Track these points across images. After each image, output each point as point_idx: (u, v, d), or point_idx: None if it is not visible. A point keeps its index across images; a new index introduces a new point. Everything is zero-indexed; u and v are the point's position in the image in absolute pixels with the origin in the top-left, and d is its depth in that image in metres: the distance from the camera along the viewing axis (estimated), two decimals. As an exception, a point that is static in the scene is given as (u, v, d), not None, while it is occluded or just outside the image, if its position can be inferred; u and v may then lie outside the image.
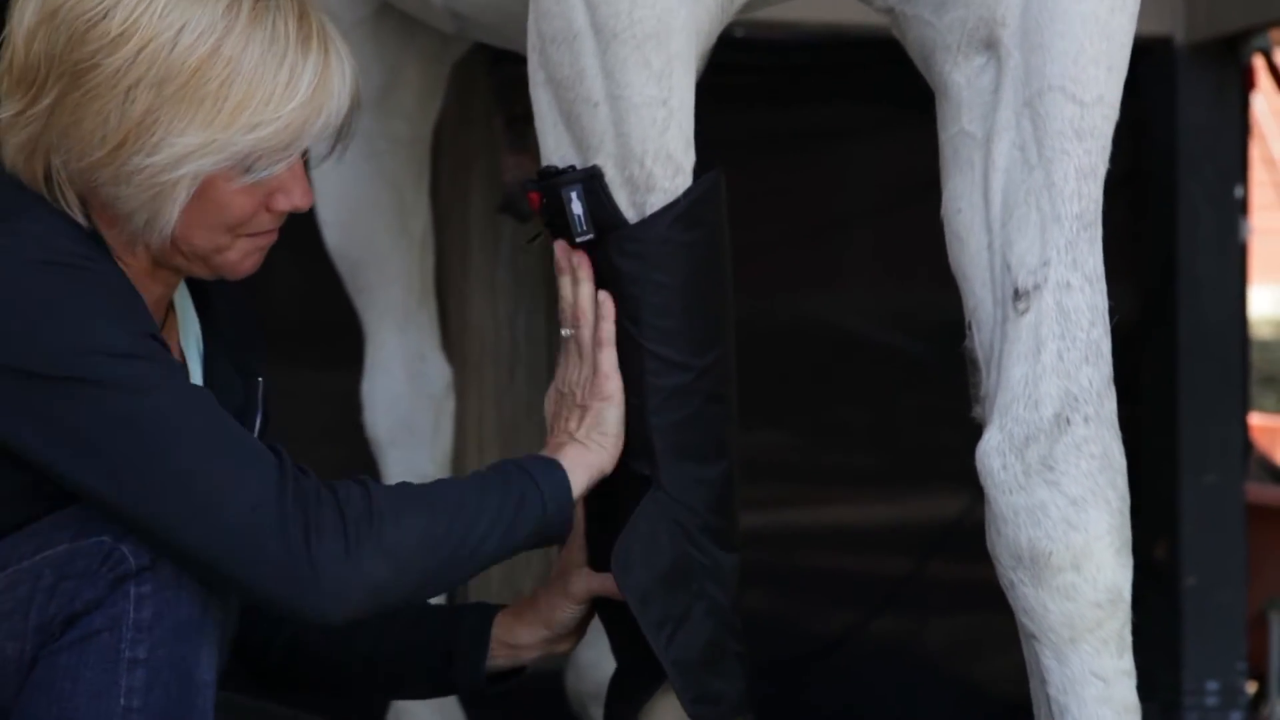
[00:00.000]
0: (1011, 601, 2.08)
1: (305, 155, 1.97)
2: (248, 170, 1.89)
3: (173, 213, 1.88)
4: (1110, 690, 2.04)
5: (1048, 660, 2.05)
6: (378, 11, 2.98)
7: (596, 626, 2.19)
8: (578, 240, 2.07)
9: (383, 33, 3.01)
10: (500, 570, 3.56)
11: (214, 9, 1.87)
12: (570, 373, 2.08)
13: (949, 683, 4.23)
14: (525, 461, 2.00)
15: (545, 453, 2.03)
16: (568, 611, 2.15)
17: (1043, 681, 2.07)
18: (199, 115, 1.85)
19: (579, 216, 2.06)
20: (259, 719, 2.17)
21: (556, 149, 2.10)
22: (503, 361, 3.53)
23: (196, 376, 2.03)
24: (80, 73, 1.85)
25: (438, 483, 2.00)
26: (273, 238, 1.98)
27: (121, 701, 1.84)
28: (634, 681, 2.14)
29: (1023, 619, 2.07)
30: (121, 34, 1.85)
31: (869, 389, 4.27)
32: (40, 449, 1.83)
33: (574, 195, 2.06)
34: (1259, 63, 4.40)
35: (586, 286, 2.07)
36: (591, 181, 2.05)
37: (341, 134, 1.95)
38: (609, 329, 2.06)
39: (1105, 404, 2.06)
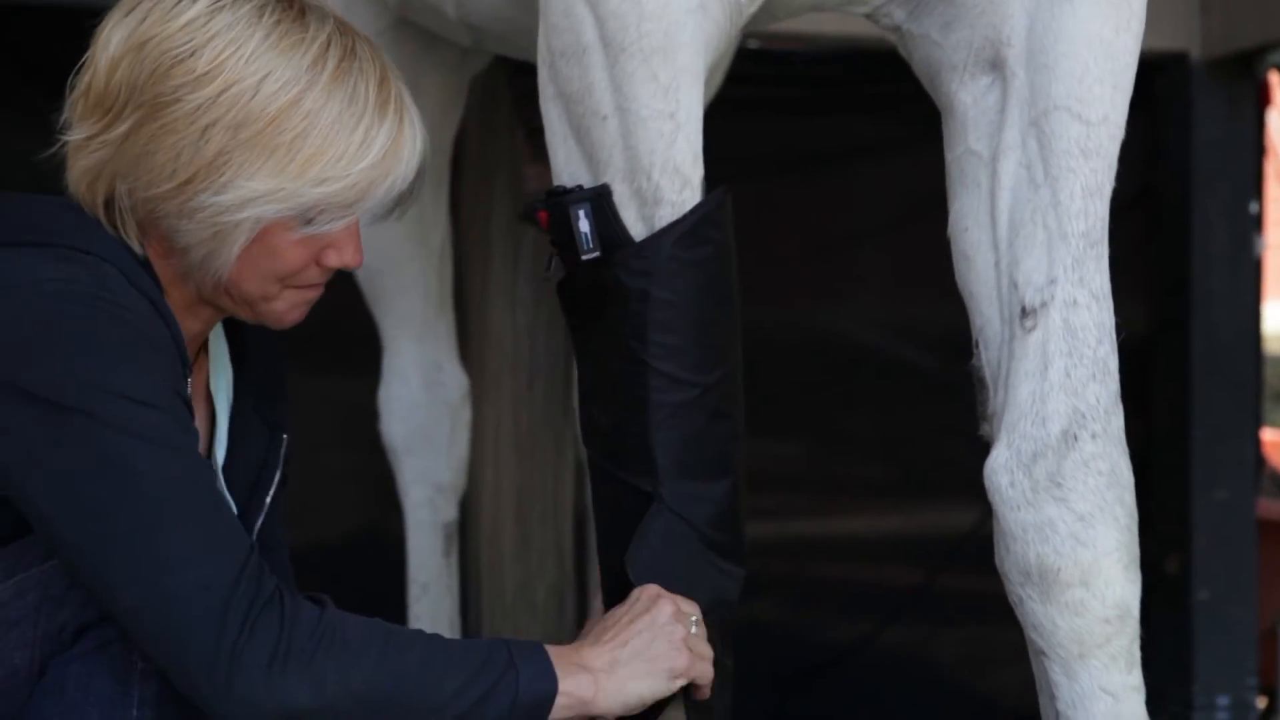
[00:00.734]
0: (1020, 617, 2.08)
1: None
2: (308, 223, 1.90)
3: (231, 254, 1.89)
4: (1119, 706, 2.04)
5: (1056, 676, 2.05)
6: (397, 23, 3.00)
7: None
8: (584, 258, 2.08)
9: (403, 44, 3.02)
10: (514, 579, 3.59)
11: (300, 63, 1.88)
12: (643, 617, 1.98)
13: (957, 694, 4.23)
14: (530, 662, 1.89)
15: (572, 660, 1.92)
16: None
17: (1052, 698, 2.07)
18: (270, 163, 1.87)
19: (586, 234, 2.07)
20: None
21: (567, 163, 2.11)
22: (521, 372, 3.54)
23: (222, 421, 2.03)
24: (160, 105, 1.87)
25: (415, 634, 1.89)
26: (319, 292, 1.99)
27: (134, 712, 1.84)
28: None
29: (1031, 635, 2.07)
30: (206, 73, 1.86)
31: (881, 401, 4.28)
32: (11, 470, 1.80)
33: (581, 213, 2.07)
34: (1275, 79, 4.41)
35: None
36: (599, 200, 2.07)
37: (402, 199, 1.98)
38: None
39: (1113, 421, 2.06)
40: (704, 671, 2.00)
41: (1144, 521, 2.10)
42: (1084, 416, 2.05)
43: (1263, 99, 4.39)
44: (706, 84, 2.15)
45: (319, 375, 3.56)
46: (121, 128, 1.88)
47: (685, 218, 2.07)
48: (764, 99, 4.09)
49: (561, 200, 2.09)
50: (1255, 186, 4.36)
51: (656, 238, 2.06)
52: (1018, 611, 2.08)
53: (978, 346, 2.14)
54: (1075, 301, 2.06)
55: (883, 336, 4.29)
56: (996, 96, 2.13)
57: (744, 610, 2.15)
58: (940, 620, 4.22)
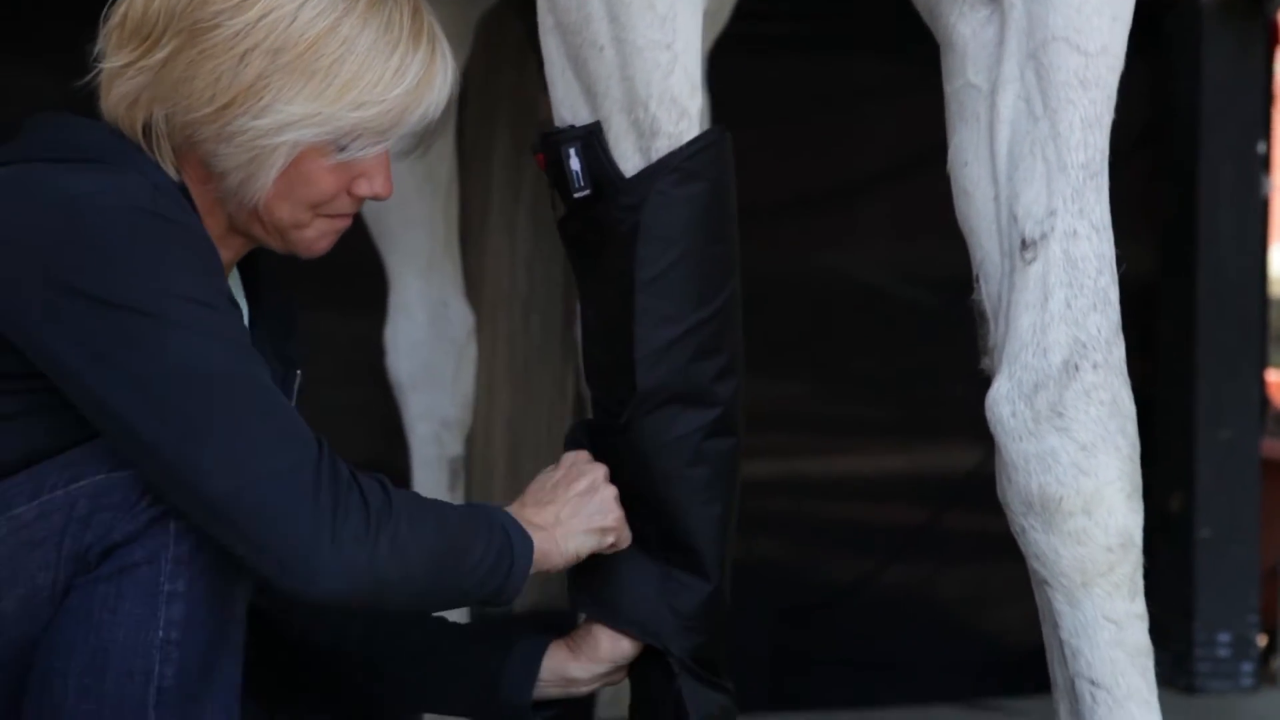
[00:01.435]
0: (1023, 548, 2.09)
1: None
2: (342, 149, 1.95)
3: (268, 178, 1.93)
4: (1123, 633, 2.05)
5: (1060, 605, 2.06)
6: (404, -42, 2.99)
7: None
8: (575, 196, 2.09)
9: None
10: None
11: None
12: (583, 475, 2.08)
13: (960, 631, 4.25)
14: (508, 524, 1.99)
15: (523, 520, 2.01)
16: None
17: (1055, 626, 2.08)
18: (308, 87, 1.91)
19: (576, 173, 2.09)
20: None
21: (565, 95, 2.12)
22: (517, 305, 3.55)
23: None
24: (200, 31, 1.90)
25: (438, 502, 1.99)
26: (348, 222, 2.03)
27: (160, 634, 1.86)
28: (651, 713, 2.16)
29: (1034, 565, 2.08)
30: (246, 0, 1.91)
31: (884, 341, 4.28)
32: (84, 375, 1.83)
33: (572, 152, 2.08)
34: (1284, 19, 4.39)
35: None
36: (589, 138, 2.08)
37: (429, 131, 2.02)
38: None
39: (1114, 351, 2.07)
40: (626, 534, 2.09)
41: (1147, 460, 2.10)
42: (1085, 346, 2.05)
43: (1272, 39, 4.37)
44: (714, 20, 2.15)
45: (323, 310, 3.56)
46: (160, 54, 1.92)
47: (675, 154, 2.08)
48: (765, 34, 4.07)
49: (553, 138, 2.10)
50: (1263, 127, 4.35)
51: (645, 174, 2.07)
52: (1020, 542, 2.09)
53: (978, 280, 2.15)
54: (1075, 233, 2.07)
55: (886, 276, 4.29)
56: (995, 28, 2.13)
57: (745, 547, 2.16)
58: (943, 559, 4.23)
